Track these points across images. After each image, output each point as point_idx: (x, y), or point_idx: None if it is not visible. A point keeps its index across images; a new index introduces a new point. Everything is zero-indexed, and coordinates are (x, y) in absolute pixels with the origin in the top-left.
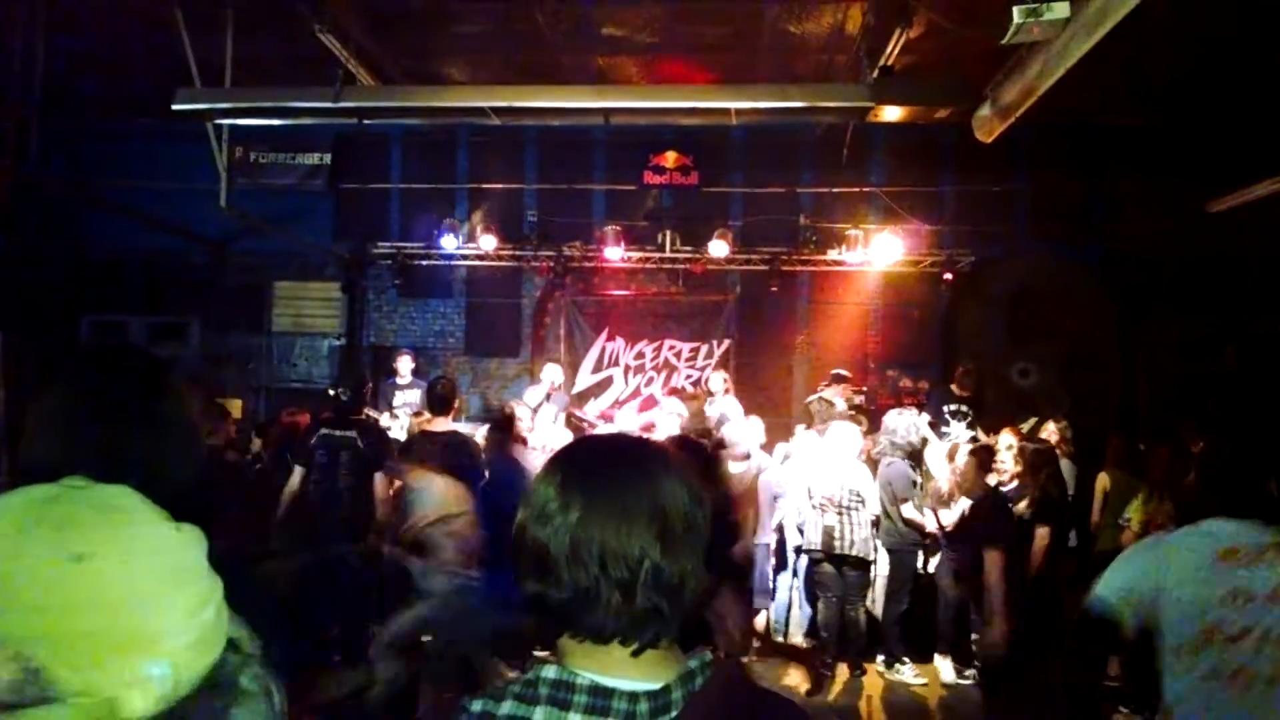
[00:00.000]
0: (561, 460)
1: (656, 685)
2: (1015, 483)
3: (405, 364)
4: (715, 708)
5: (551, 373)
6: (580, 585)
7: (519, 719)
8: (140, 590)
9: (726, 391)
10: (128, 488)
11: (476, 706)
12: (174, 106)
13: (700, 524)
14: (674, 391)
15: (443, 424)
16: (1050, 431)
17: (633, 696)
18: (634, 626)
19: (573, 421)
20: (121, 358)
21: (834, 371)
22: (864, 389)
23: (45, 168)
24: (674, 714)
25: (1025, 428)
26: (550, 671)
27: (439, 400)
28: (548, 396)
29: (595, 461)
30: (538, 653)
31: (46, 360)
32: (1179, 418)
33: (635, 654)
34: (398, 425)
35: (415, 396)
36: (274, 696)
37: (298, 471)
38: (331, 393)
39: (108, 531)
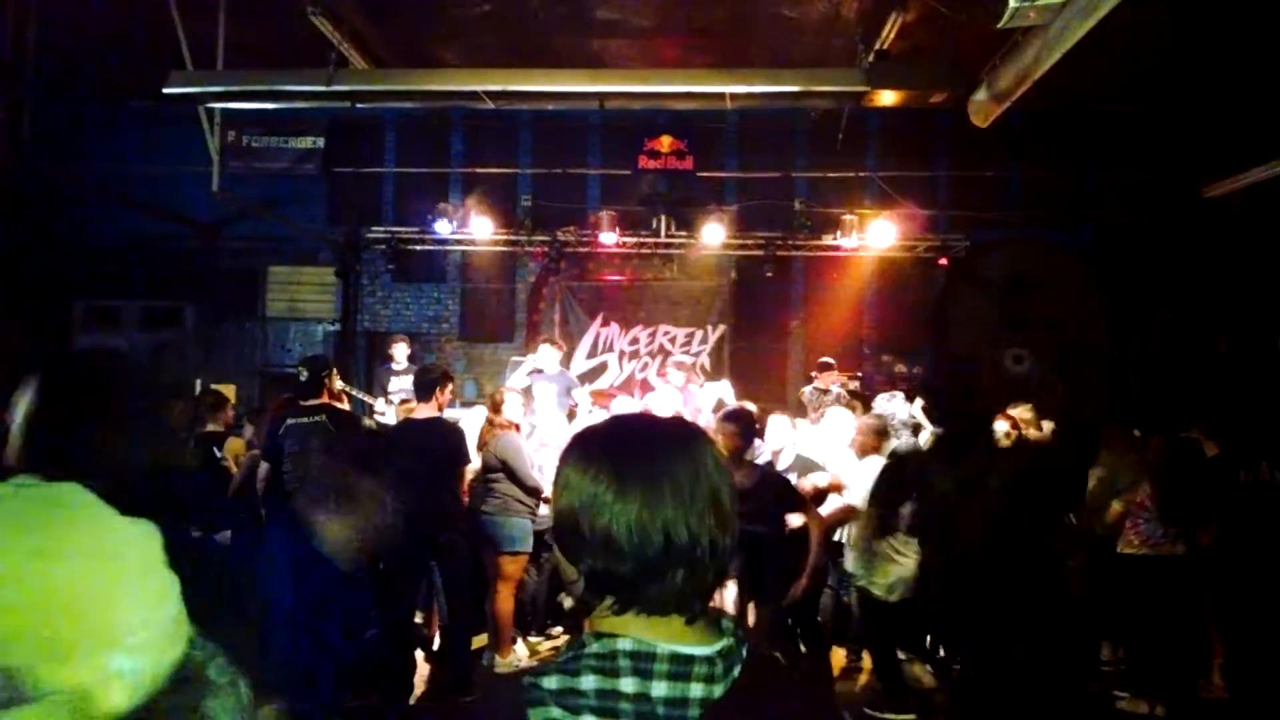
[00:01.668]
0: (602, 445)
1: (718, 646)
2: None
3: (401, 350)
4: (760, 658)
5: (545, 354)
6: (644, 563)
7: (608, 691)
8: (104, 585)
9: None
10: (77, 485)
11: (552, 684)
12: (165, 89)
13: (734, 498)
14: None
15: (426, 411)
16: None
17: (709, 660)
18: (694, 598)
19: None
20: (73, 366)
21: (821, 360)
22: (858, 374)
23: (38, 152)
24: (738, 669)
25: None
26: (625, 644)
27: (420, 388)
28: (536, 372)
29: (642, 445)
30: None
31: (38, 345)
32: (1171, 403)
33: (689, 622)
34: (392, 411)
35: (410, 382)
36: (240, 687)
37: (263, 466)
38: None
39: (63, 528)
